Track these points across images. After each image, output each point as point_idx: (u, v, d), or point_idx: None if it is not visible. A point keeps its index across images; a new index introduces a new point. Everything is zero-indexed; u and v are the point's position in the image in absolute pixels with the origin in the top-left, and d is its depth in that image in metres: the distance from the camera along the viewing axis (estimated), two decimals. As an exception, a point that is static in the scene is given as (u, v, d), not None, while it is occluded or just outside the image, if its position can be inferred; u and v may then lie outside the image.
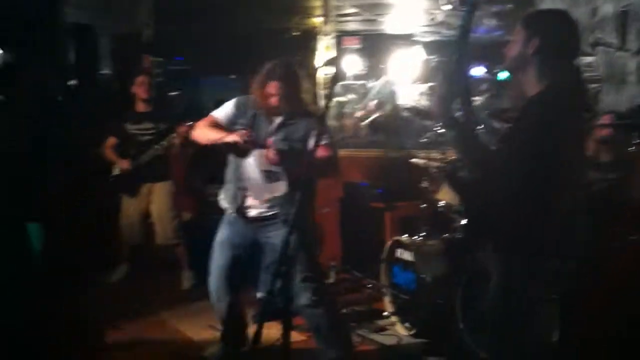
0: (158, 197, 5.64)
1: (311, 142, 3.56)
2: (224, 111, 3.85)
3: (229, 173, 3.86)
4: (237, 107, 3.84)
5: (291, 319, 2.57)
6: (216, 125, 3.80)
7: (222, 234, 3.95)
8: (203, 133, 3.80)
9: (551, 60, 2.56)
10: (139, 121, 5.63)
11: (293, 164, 3.55)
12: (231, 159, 3.82)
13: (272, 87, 3.65)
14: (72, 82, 6.07)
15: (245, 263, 3.99)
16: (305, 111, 3.78)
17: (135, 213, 5.68)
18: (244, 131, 3.63)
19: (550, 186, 2.47)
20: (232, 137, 3.59)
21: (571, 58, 2.66)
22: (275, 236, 3.66)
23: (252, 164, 3.71)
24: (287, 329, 2.49)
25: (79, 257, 4.97)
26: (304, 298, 3.64)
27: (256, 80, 3.74)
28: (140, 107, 5.67)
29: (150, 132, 5.57)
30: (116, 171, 5.69)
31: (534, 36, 2.56)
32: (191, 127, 5.11)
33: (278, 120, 3.75)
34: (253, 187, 3.76)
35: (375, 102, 8.85)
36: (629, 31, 5.04)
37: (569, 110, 2.52)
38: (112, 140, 5.69)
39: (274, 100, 3.66)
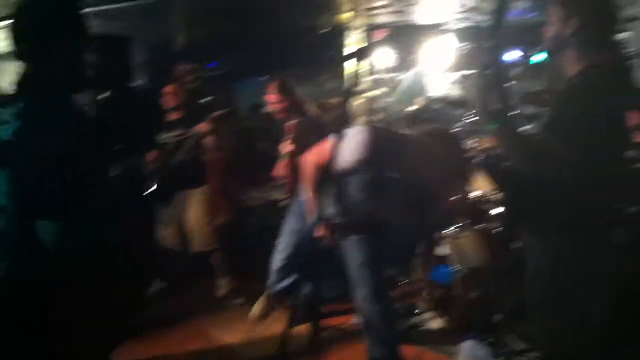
0: (193, 204, 5.62)
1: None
2: None
3: None
4: None
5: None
6: None
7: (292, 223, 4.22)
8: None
9: (591, 39, 2.47)
10: (170, 129, 5.64)
11: None
12: None
13: None
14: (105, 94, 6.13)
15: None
16: None
17: (172, 222, 5.68)
18: None
19: (602, 166, 2.39)
20: None
21: (611, 34, 2.55)
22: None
23: None
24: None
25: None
26: (361, 292, 3.63)
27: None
28: (172, 115, 5.69)
29: (180, 138, 5.55)
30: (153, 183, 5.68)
31: (573, 15, 2.47)
32: (210, 123, 5.18)
33: None
34: None
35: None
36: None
37: (614, 88, 2.43)
38: (151, 155, 5.65)
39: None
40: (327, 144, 3.60)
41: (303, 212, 4.02)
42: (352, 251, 3.64)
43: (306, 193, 3.78)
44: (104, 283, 2.34)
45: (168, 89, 5.68)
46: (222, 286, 5.63)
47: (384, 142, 3.52)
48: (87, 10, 7.81)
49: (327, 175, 3.60)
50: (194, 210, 5.63)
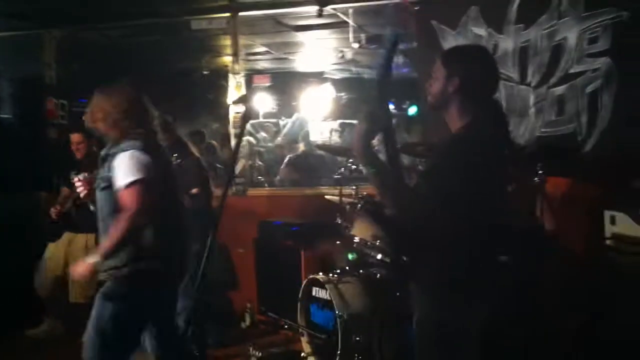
0: (75, 251, 5.34)
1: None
2: None
3: None
4: None
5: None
6: None
7: None
8: None
9: (472, 97, 2.59)
10: (78, 172, 5.36)
11: None
12: None
13: None
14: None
15: None
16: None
17: (57, 265, 5.39)
18: None
19: (474, 219, 2.47)
20: None
21: (491, 93, 2.70)
22: None
23: None
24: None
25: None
26: None
27: None
28: (78, 155, 5.42)
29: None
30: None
31: (455, 75, 2.58)
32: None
33: None
34: None
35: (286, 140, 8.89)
36: (528, 66, 5.24)
37: (491, 144, 2.55)
38: (65, 189, 5.44)
39: None
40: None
41: None
42: None
43: None
44: None
45: (74, 137, 5.36)
46: None
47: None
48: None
49: None
50: (75, 257, 5.29)
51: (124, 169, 3.25)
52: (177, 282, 3.61)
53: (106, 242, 3.26)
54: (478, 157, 2.47)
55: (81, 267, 3.29)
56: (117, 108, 3.37)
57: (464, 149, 2.52)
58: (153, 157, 3.34)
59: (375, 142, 2.50)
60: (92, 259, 3.25)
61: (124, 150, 3.29)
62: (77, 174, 5.31)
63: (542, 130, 5.18)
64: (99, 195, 3.42)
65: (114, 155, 3.32)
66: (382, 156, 2.54)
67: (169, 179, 3.53)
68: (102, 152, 3.41)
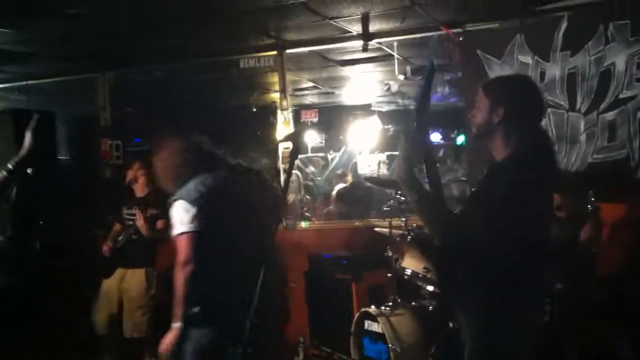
0: (128, 285, 5.39)
1: None
2: None
3: None
4: None
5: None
6: None
7: None
8: None
9: (517, 126, 2.59)
10: (131, 207, 5.49)
11: None
12: None
13: None
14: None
15: None
16: None
17: (112, 301, 5.43)
18: None
19: (520, 248, 2.46)
20: None
21: (536, 122, 2.70)
22: None
23: None
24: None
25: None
26: None
27: None
28: (138, 192, 5.55)
29: (134, 217, 5.37)
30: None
31: (499, 105, 2.60)
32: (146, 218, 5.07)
33: None
34: None
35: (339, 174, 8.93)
36: (576, 92, 5.20)
37: (536, 172, 2.54)
38: (117, 225, 5.56)
39: None
40: None
41: None
42: None
43: None
44: None
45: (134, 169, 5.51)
46: None
47: None
48: (10, 85, 7.74)
49: None
50: (128, 291, 5.37)
51: (175, 219, 3.34)
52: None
53: (176, 304, 3.31)
54: (522, 186, 2.47)
55: (168, 337, 3.33)
56: (169, 162, 3.48)
57: (507, 178, 2.52)
58: (217, 196, 3.39)
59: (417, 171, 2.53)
60: (176, 325, 3.30)
61: (175, 200, 3.37)
62: (127, 208, 5.50)
63: (594, 156, 5.11)
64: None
65: (171, 203, 3.41)
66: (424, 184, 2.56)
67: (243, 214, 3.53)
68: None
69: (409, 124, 2.59)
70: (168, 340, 3.31)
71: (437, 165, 2.63)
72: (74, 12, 5.12)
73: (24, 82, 7.76)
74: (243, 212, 3.49)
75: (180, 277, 3.27)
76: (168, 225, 4.46)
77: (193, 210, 3.31)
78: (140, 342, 5.40)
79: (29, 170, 5.87)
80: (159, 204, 5.05)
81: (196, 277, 3.28)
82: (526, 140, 2.58)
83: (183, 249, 3.29)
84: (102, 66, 7.34)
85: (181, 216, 3.31)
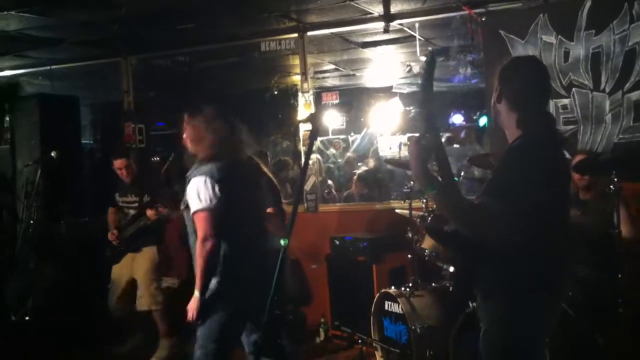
0: (139, 264, 5.56)
1: None
2: None
3: None
4: None
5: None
6: None
7: None
8: None
9: (520, 109, 2.58)
10: (125, 194, 5.64)
11: None
12: None
13: None
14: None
15: None
16: None
17: (121, 282, 5.60)
18: None
19: (536, 231, 2.45)
20: None
21: (541, 104, 2.68)
22: None
23: None
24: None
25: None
26: None
27: None
28: (126, 179, 5.66)
29: (134, 205, 5.57)
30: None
31: (501, 87, 2.61)
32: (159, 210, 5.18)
33: None
34: None
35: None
36: (601, 72, 5.13)
37: (546, 155, 2.52)
38: (111, 210, 5.73)
39: None
40: None
41: None
42: None
43: None
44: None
45: (117, 163, 5.59)
46: (163, 347, 5.52)
47: None
48: (34, 70, 7.81)
49: None
50: (140, 269, 5.55)
51: (193, 195, 3.40)
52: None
53: (197, 276, 3.41)
54: (533, 168, 2.46)
55: (191, 305, 3.42)
56: (205, 128, 3.51)
57: (514, 162, 2.52)
58: (233, 177, 3.45)
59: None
60: (196, 295, 3.40)
61: (195, 176, 3.42)
62: (120, 195, 5.61)
63: (620, 136, 5.06)
64: (184, 214, 3.57)
65: (189, 179, 3.46)
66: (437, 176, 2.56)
67: (252, 197, 3.66)
68: (187, 174, 3.56)
69: (418, 127, 2.58)
70: (192, 307, 3.41)
71: (447, 156, 2.62)
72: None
73: (48, 67, 7.84)
74: (251, 195, 3.63)
75: (201, 252, 3.35)
76: (173, 207, 4.58)
77: (215, 188, 3.37)
78: (153, 315, 5.57)
79: (53, 154, 6.00)
80: (151, 188, 5.42)
81: (216, 252, 3.39)
82: (531, 124, 2.57)
83: (203, 225, 3.37)
84: (126, 51, 7.39)
85: (203, 193, 3.38)
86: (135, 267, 5.56)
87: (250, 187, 3.70)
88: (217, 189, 3.37)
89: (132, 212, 5.56)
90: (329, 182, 8.27)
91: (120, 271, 5.61)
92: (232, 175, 3.46)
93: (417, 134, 2.52)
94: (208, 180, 3.38)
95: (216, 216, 3.37)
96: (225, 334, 3.46)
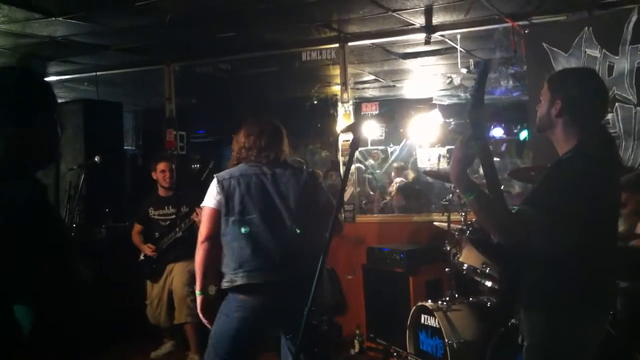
0: (176, 276, 5.64)
1: None
2: None
3: None
4: None
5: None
6: None
7: None
8: None
9: (576, 120, 2.55)
10: (161, 206, 5.72)
11: None
12: None
13: None
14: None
15: None
16: None
17: (158, 294, 5.72)
18: None
19: (583, 245, 2.43)
20: None
21: (598, 116, 2.64)
22: None
23: None
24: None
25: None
26: None
27: None
28: (162, 191, 5.76)
29: (170, 217, 5.66)
30: (141, 256, 5.79)
31: (557, 97, 2.56)
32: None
33: None
34: None
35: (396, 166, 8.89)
36: (645, 87, 5.03)
37: (598, 169, 2.49)
38: (137, 227, 5.82)
39: None
40: None
41: None
42: None
43: None
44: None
45: (159, 166, 5.70)
46: None
47: None
48: (79, 76, 7.94)
49: None
50: (176, 282, 5.63)
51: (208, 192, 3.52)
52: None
53: (197, 276, 3.54)
54: (583, 181, 2.43)
55: (199, 304, 3.56)
56: (242, 139, 3.58)
57: (569, 173, 2.48)
58: (245, 181, 3.46)
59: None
60: (197, 295, 3.58)
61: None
62: (155, 209, 5.67)
63: (663, 152, 4.95)
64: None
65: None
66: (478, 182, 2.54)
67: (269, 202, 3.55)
68: None
69: (464, 126, 2.57)
70: (198, 307, 3.57)
71: (494, 165, 2.59)
72: (143, 4, 5.24)
73: (93, 73, 8.00)
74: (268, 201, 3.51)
75: (198, 253, 3.48)
76: None
77: (218, 189, 3.46)
78: (186, 327, 5.65)
79: (96, 159, 6.10)
80: (190, 198, 5.38)
81: (213, 255, 3.48)
82: (587, 135, 2.53)
83: (203, 224, 3.50)
84: (168, 58, 7.51)
85: (210, 190, 3.49)
86: (172, 280, 5.65)
87: (267, 192, 3.53)
88: (219, 190, 3.45)
89: (167, 224, 5.65)
90: (371, 192, 8.26)
91: (159, 289, 5.72)
92: (244, 179, 3.47)
93: (465, 137, 2.50)
94: (215, 182, 3.49)
95: (215, 216, 3.45)
96: (236, 337, 3.44)
